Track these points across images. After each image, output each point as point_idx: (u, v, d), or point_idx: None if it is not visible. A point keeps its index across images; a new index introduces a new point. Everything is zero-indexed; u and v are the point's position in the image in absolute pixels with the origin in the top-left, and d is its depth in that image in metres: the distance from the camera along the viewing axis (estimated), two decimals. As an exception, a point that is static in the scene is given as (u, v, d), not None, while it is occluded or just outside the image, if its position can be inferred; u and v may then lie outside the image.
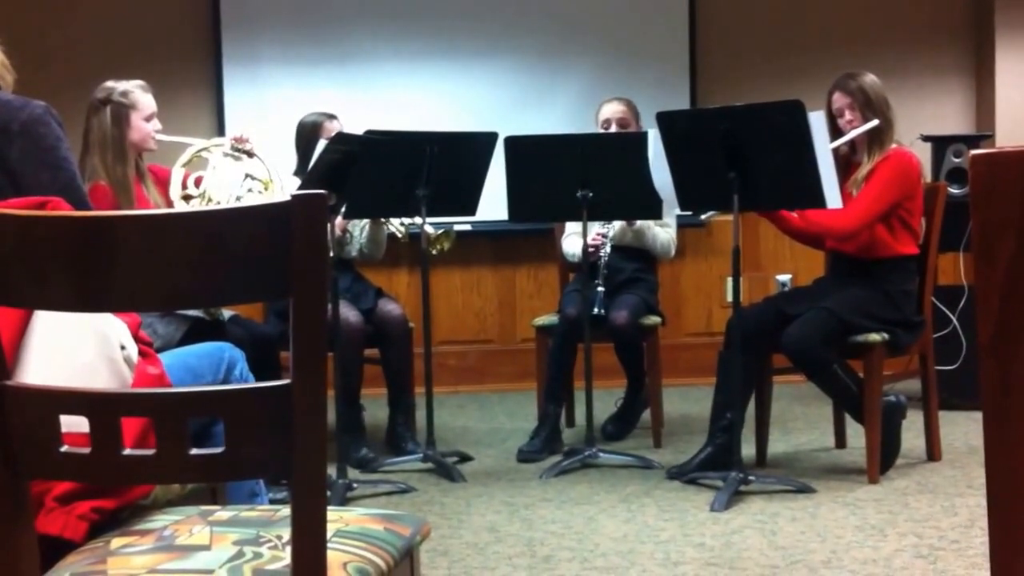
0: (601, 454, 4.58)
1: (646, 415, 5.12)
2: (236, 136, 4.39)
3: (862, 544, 3.48)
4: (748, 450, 4.36)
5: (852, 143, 4.38)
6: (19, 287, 1.46)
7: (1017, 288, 1.08)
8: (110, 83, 4.27)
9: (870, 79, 4.38)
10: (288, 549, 1.58)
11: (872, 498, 4.00)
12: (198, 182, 4.28)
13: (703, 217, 4.62)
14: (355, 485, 4.19)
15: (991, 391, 1.10)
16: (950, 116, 6.63)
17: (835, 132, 4.29)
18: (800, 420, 5.39)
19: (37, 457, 1.50)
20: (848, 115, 4.34)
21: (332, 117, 4.99)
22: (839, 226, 4.29)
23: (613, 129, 5.00)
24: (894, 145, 4.34)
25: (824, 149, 3.92)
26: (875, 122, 4.29)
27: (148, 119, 4.27)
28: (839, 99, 4.37)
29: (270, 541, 1.70)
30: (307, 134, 4.93)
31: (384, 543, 1.75)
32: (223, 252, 1.41)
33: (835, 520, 3.74)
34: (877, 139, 4.32)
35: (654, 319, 4.98)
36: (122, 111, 4.21)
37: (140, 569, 1.62)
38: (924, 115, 6.45)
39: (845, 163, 4.34)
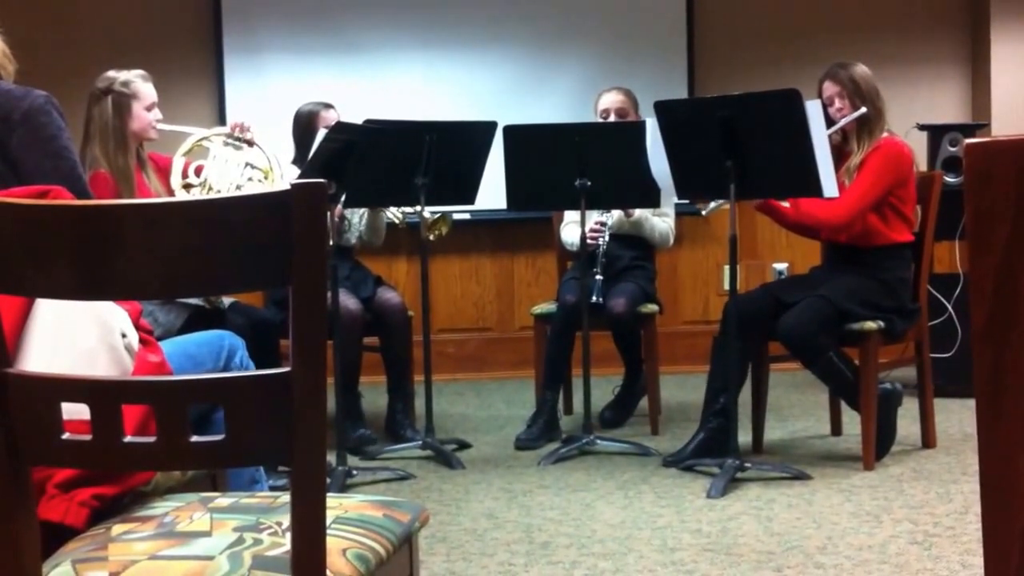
0: (599, 441, 4.60)
1: (643, 402, 5.13)
2: (236, 125, 4.40)
3: (857, 530, 3.49)
4: (744, 437, 4.39)
5: (843, 132, 4.39)
6: (21, 275, 1.46)
7: (1010, 275, 1.09)
8: (111, 73, 4.28)
9: (860, 69, 4.39)
10: (288, 535, 1.59)
11: (867, 485, 4.02)
12: (199, 171, 4.29)
13: (704, 212, 4.61)
14: (354, 472, 4.20)
15: (984, 377, 1.11)
16: (946, 105, 6.64)
17: (826, 121, 4.30)
18: (796, 407, 5.41)
19: (38, 444, 1.51)
20: (838, 103, 4.36)
21: (329, 106, 5.00)
22: (832, 217, 4.31)
23: (612, 119, 5.01)
24: (885, 134, 4.35)
25: (821, 137, 3.93)
26: (863, 110, 4.30)
27: (149, 108, 4.27)
28: (829, 88, 4.39)
29: (270, 528, 1.71)
30: (304, 124, 4.94)
31: (383, 530, 1.76)
32: (223, 240, 1.41)
33: (830, 507, 3.75)
34: (867, 128, 4.34)
35: (652, 307, 4.99)
36: (123, 101, 4.22)
37: (141, 555, 1.63)
38: (920, 104, 6.46)
39: (837, 152, 4.35)
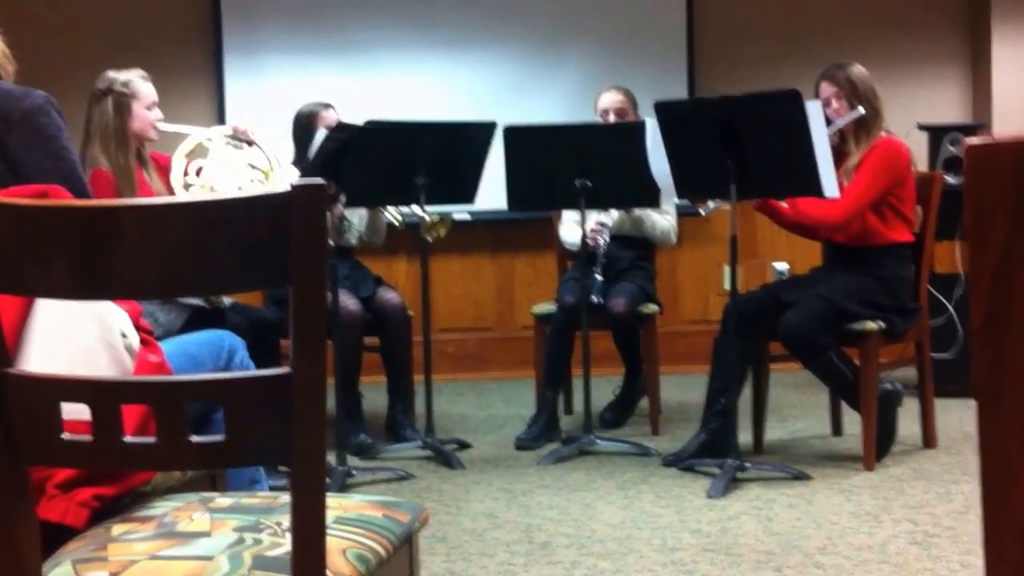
0: (599, 441, 4.60)
1: (643, 402, 5.14)
2: (237, 125, 4.40)
3: (857, 530, 3.49)
4: (744, 437, 4.39)
5: (841, 133, 4.39)
6: (21, 275, 1.46)
7: (1009, 273, 1.09)
8: (111, 73, 4.28)
9: (857, 69, 4.39)
10: (288, 535, 1.59)
11: (868, 485, 4.01)
12: (199, 171, 4.29)
13: (703, 213, 4.60)
14: (354, 472, 4.21)
15: (984, 375, 1.11)
16: (947, 105, 6.63)
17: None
18: (796, 407, 5.41)
19: (38, 444, 1.51)
20: (835, 104, 4.36)
21: (328, 106, 5.00)
22: (829, 217, 4.31)
23: (611, 119, 5.01)
24: (882, 134, 4.35)
25: (821, 137, 3.93)
26: (860, 110, 4.30)
27: (149, 108, 4.28)
28: (826, 89, 4.39)
29: (270, 528, 1.71)
30: (303, 124, 4.94)
31: (383, 530, 1.76)
32: (223, 240, 1.41)
33: (831, 507, 3.75)
34: (864, 128, 4.34)
35: (652, 307, 4.99)
36: (123, 100, 4.22)
37: (141, 555, 1.63)
38: (920, 104, 6.45)
39: (835, 153, 4.34)
